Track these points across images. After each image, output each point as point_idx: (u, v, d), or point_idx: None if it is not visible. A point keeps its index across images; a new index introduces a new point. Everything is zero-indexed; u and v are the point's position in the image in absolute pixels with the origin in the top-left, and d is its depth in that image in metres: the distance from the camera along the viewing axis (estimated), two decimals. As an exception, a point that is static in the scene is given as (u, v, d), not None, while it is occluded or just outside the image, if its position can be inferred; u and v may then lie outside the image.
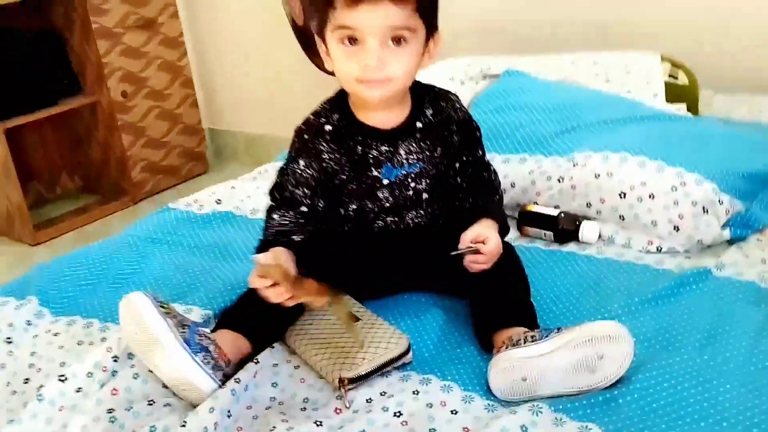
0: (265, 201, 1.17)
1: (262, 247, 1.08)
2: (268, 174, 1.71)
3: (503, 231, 1.14)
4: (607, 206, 1.33)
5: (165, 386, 0.98)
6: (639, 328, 1.04)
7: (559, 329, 0.95)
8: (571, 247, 1.32)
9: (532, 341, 0.95)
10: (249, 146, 3.04)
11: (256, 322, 1.06)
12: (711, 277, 1.16)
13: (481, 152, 1.21)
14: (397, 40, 1.03)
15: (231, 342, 1.02)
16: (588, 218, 1.35)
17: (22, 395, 1.03)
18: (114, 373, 1.01)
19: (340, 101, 1.14)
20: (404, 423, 0.91)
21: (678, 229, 1.27)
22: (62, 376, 1.00)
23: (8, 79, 2.44)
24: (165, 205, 1.58)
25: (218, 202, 1.56)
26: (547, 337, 0.94)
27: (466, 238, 1.09)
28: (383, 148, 1.13)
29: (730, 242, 1.28)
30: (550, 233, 1.34)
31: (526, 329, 1.00)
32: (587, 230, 1.32)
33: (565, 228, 1.33)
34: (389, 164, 1.13)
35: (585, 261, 1.27)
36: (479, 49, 2.09)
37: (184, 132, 2.92)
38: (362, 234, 1.18)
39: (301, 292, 0.98)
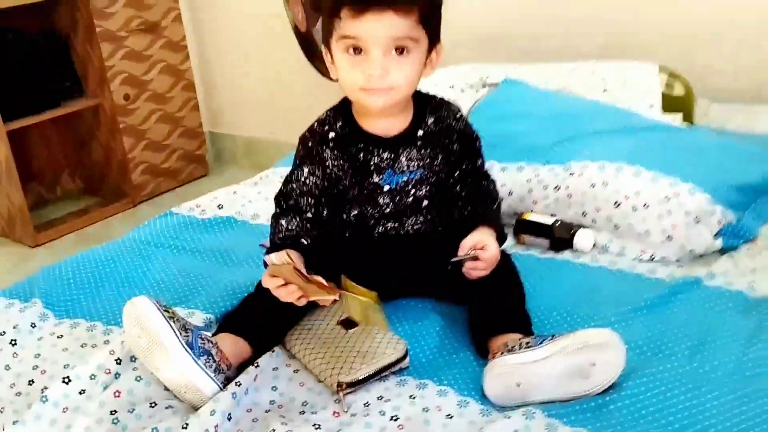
0: (268, 206, 1.19)
1: (273, 250, 1.09)
2: (269, 179, 1.73)
3: (500, 239, 1.16)
4: (602, 215, 1.35)
5: (167, 389, 1.00)
6: (631, 336, 1.05)
7: (553, 336, 0.97)
8: (566, 255, 1.34)
9: (527, 348, 0.97)
10: (248, 150, 3.06)
11: (257, 327, 1.08)
12: (702, 286, 1.18)
13: (480, 161, 1.23)
14: (400, 50, 1.05)
15: (232, 345, 1.05)
16: (583, 227, 1.37)
17: (26, 397, 1.05)
18: (117, 375, 1.03)
19: (343, 109, 1.16)
20: (401, 427, 0.93)
21: (671, 239, 1.29)
22: (66, 378, 1.01)
23: (11, 81, 2.45)
24: (164, 207, 1.60)
25: (220, 207, 1.58)
26: (541, 343, 0.96)
27: (466, 245, 1.11)
28: (385, 155, 1.15)
29: (722, 251, 1.30)
30: (545, 241, 1.37)
31: (521, 336, 1.02)
32: (582, 239, 1.34)
33: (560, 236, 1.36)
34: (390, 171, 1.15)
35: (579, 269, 1.29)
36: (479, 57, 2.11)
37: (184, 135, 2.94)
38: (363, 239, 1.20)
39: (312, 291, 1.01)
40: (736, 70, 1.90)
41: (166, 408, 0.98)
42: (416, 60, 1.07)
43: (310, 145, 1.15)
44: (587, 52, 2.01)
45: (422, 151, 1.16)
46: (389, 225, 1.19)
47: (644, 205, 1.31)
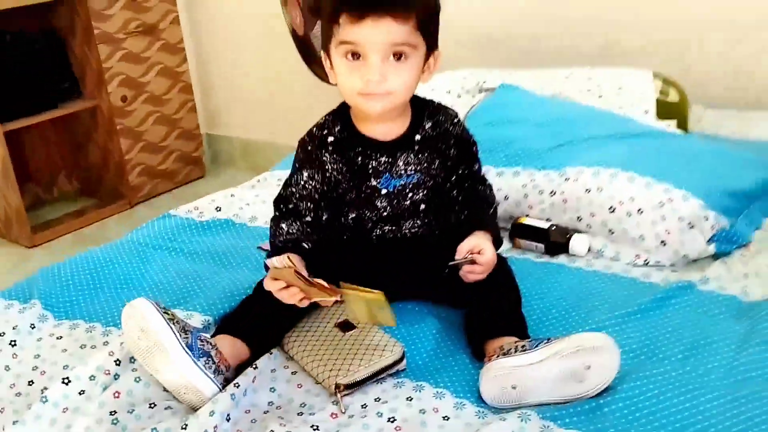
0: (266, 209, 1.20)
1: (273, 254, 1.10)
2: (267, 182, 1.74)
3: (497, 243, 1.17)
4: (597, 220, 1.37)
5: (166, 390, 1.01)
6: (625, 340, 1.07)
7: (548, 339, 0.98)
8: (561, 259, 1.36)
9: (523, 351, 0.98)
10: (245, 151, 3.07)
11: (255, 328, 1.09)
12: (695, 290, 1.20)
13: (477, 166, 1.24)
14: (398, 56, 1.06)
15: (230, 347, 1.06)
16: (578, 231, 1.38)
17: (26, 397, 1.05)
18: (116, 376, 1.04)
19: (341, 113, 1.17)
20: (398, 428, 0.94)
21: (665, 244, 1.31)
22: (66, 378, 1.02)
23: (9, 82, 2.45)
24: (161, 208, 1.60)
25: (218, 209, 1.59)
26: (536, 347, 0.97)
27: (463, 249, 1.12)
28: (383, 159, 1.16)
29: (715, 257, 1.31)
30: (541, 245, 1.38)
31: (517, 339, 1.04)
32: (577, 243, 1.36)
33: (555, 241, 1.37)
34: (388, 174, 1.16)
35: (574, 273, 1.30)
36: (479, 57, 2.12)
37: (181, 137, 2.94)
38: (360, 243, 1.21)
39: (314, 293, 1.02)
40: (731, 77, 1.92)
41: (166, 409, 0.98)
42: (414, 66, 1.09)
43: (309, 149, 1.16)
44: (587, 53, 2.02)
45: (420, 155, 1.17)
46: (387, 228, 1.20)
47: (638, 211, 1.33)
